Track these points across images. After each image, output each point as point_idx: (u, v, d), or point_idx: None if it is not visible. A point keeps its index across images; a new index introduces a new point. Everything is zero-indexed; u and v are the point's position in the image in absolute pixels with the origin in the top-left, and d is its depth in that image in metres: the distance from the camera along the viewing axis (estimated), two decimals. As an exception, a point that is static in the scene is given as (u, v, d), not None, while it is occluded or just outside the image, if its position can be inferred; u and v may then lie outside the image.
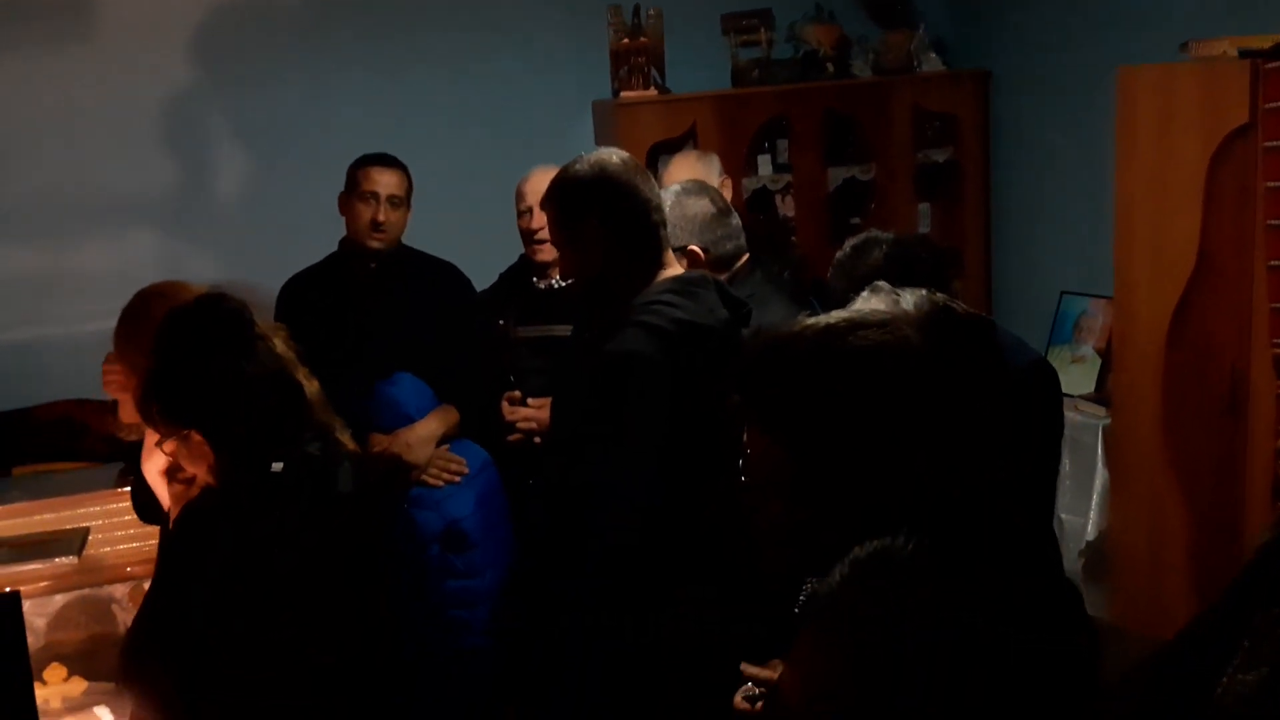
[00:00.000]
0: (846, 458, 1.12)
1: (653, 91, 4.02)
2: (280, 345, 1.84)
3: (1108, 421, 3.49)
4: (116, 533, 2.58)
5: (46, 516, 2.66)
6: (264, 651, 1.68)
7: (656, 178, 2.80)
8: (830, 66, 4.23)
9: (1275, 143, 2.75)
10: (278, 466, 1.71)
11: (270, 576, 1.69)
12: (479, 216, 3.60)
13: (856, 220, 4.21)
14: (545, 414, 2.78)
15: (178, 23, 3.79)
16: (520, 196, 3.05)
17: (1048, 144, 4.15)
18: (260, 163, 3.91)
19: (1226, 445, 2.98)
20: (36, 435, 3.57)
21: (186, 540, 1.71)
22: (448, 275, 3.12)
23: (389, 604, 1.99)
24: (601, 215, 2.02)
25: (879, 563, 0.94)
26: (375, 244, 2.99)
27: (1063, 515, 3.58)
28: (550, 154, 2.79)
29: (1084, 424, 3.59)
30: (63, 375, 3.56)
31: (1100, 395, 3.72)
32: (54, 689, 2.17)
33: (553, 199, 2.09)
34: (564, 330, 2.84)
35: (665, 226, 2.10)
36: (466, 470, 2.85)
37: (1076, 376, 3.88)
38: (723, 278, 2.48)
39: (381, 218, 2.97)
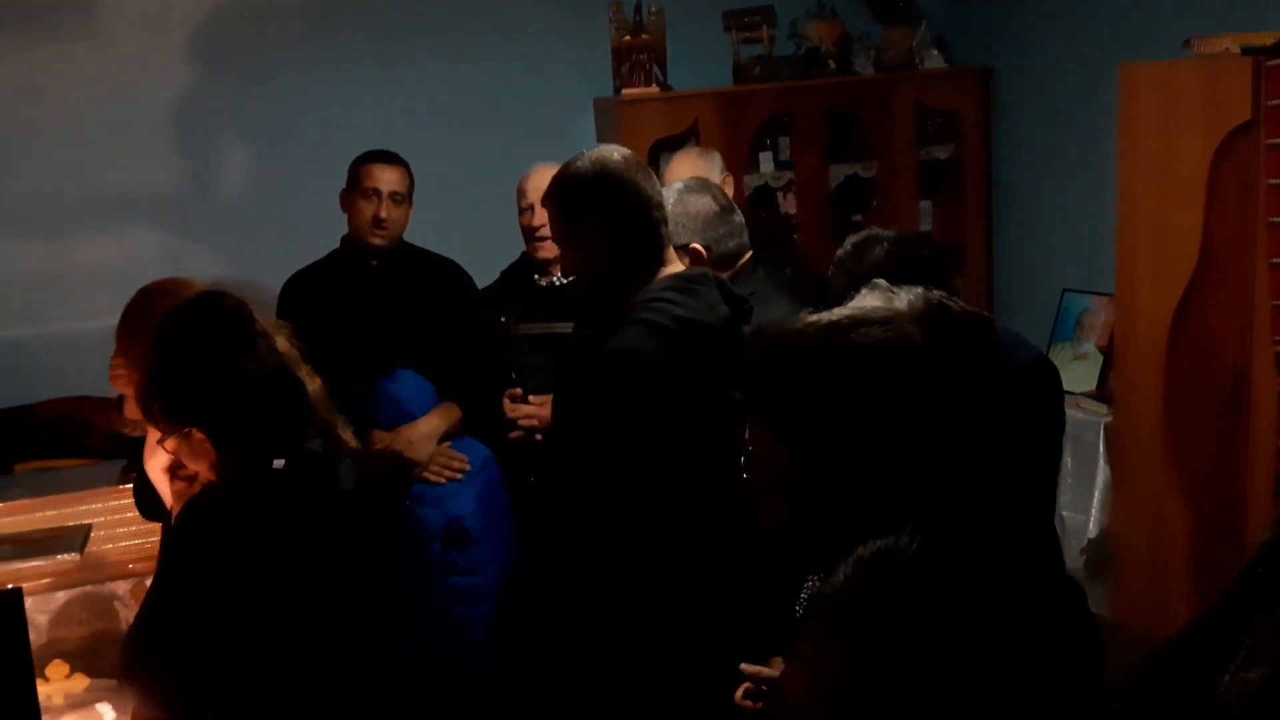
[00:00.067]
0: (849, 455, 1.13)
1: (654, 88, 4.01)
2: (283, 343, 1.84)
3: (1109, 419, 3.49)
4: (119, 529, 2.58)
5: (49, 513, 2.66)
6: (264, 650, 1.68)
7: (658, 175, 2.80)
8: (832, 63, 4.22)
9: (1277, 140, 2.75)
10: (279, 463, 1.71)
11: (271, 574, 1.69)
12: (480, 213, 3.59)
13: (858, 217, 4.21)
14: (546, 411, 2.78)
15: (180, 21, 3.79)
16: (521, 193, 3.05)
17: (1050, 141, 4.14)
18: (262, 160, 3.91)
19: (1228, 443, 2.98)
20: (39, 432, 3.57)
21: (188, 537, 1.71)
22: (449, 272, 3.12)
23: (389, 602, 1.99)
24: (602, 212, 2.02)
25: (883, 562, 0.94)
26: (377, 241, 2.99)
27: (1064, 513, 3.58)
28: (552, 151, 2.78)
29: (1086, 421, 3.59)
30: (65, 372, 3.57)
31: (1102, 393, 3.72)
32: (56, 686, 2.17)
33: (554, 196, 2.09)
34: (565, 327, 2.84)
35: (666, 224, 2.10)
36: (468, 467, 2.85)
37: (1078, 374, 3.88)
38: (725, 275, 2.48)
39: (383, 214, 2.97)
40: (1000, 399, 1.18)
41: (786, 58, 4.22)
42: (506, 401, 2.90)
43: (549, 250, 2.89)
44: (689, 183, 2.63)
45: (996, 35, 4.34)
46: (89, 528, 2.56)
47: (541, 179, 2.56)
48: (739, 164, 3.94)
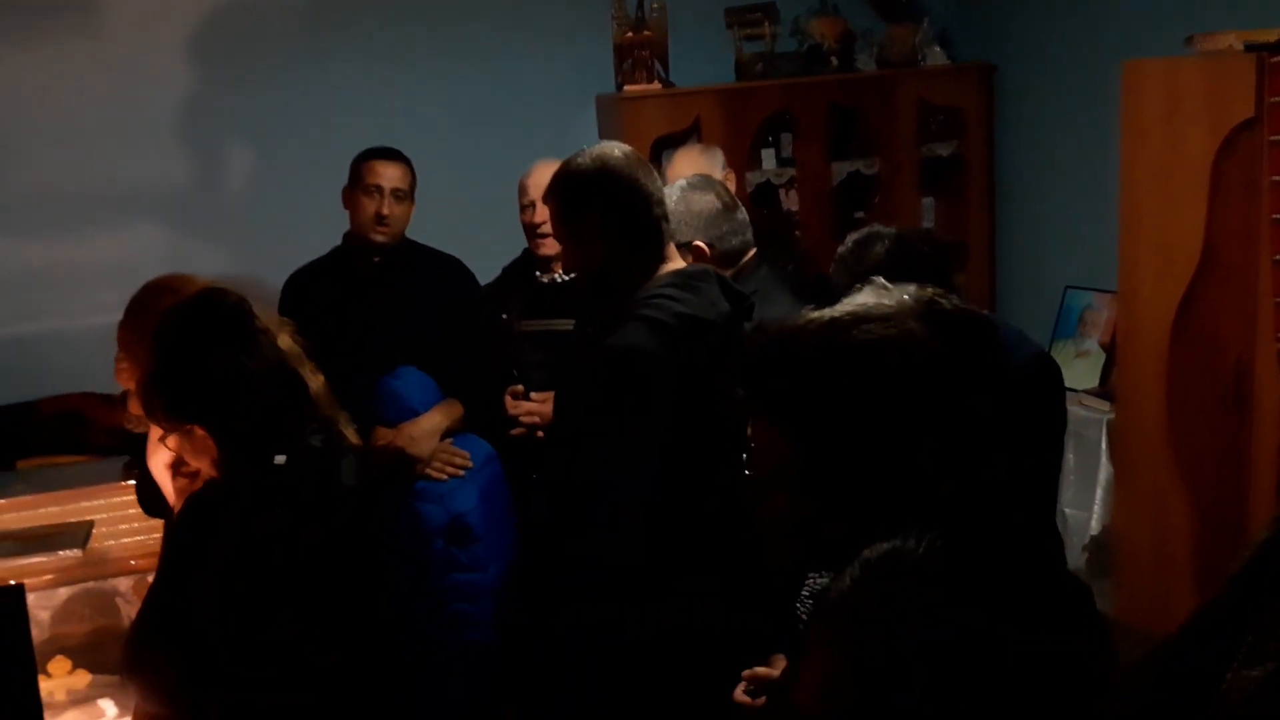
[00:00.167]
0: (851, 451, 1.13)
1: (656, 85, 4.01)
2: (286, 340, 1.84)
3: (1112, 416, 3.48)
4: (121, 526, 2.58)
5: (51, 509, 2.66)
6: (265, 647, 1.68)
7: (660, 172, 2.79)
8: (834, 60, 4.22)
9: (1281, 136, 2.74)
10: (280, 460, 1.71)
11: (272, 570, 1.69)
12: (482, 210, 3.59)
13: (860, 214, 4.20)
14: (548, 408, 2.78)
15: (183, 18, 3.79)
16: (523, 190, 3.05)
17: (1052, 138, 4.14)
18: (265, 157, 3.91)
19: (1231, 440, 2.98)
20: (41, 429, 3.57)
21: (189, 533, 1.71)
22: (452, 269, 3.12)
23: (391, 599, 1.99)
24: (603, 209, 2.01)
25: (889, 565, 0.94)
26: (379, 238, 2.99)
27: (1066, 510, 3.58)
28: (553, 148, 2.78)
29: (1088, 418, 3.59)
30: (68, 369, 3.57)
31: (1104, 390, 3.72)
32: (58, 682, 2.18)
33: (555, 193, 2.09)
34: (567, 324, 2.84)
35: (667, 220, 2.10)
36: (470, 464, 2.86)
37: (1081, 371, 3.88)
38: (729, 273, 2.48)
39: (385, 211, 2.97)
40: (1001, 396, 1.18)
41: (789, 54, 4.22)
42: (508, 398, 2.90)
43: (550, 247, 2.89)
44: (692, 180, 2.63)
45: (999, 32, 4.33)
46: (91, 524, 2.56)
47: (543, 176, 2.56)
48: (741, 161, 3.93)
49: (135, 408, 2.13)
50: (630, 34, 4.00)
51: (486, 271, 3.19)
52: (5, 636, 1.68)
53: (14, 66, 3.63)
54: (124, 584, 2.40)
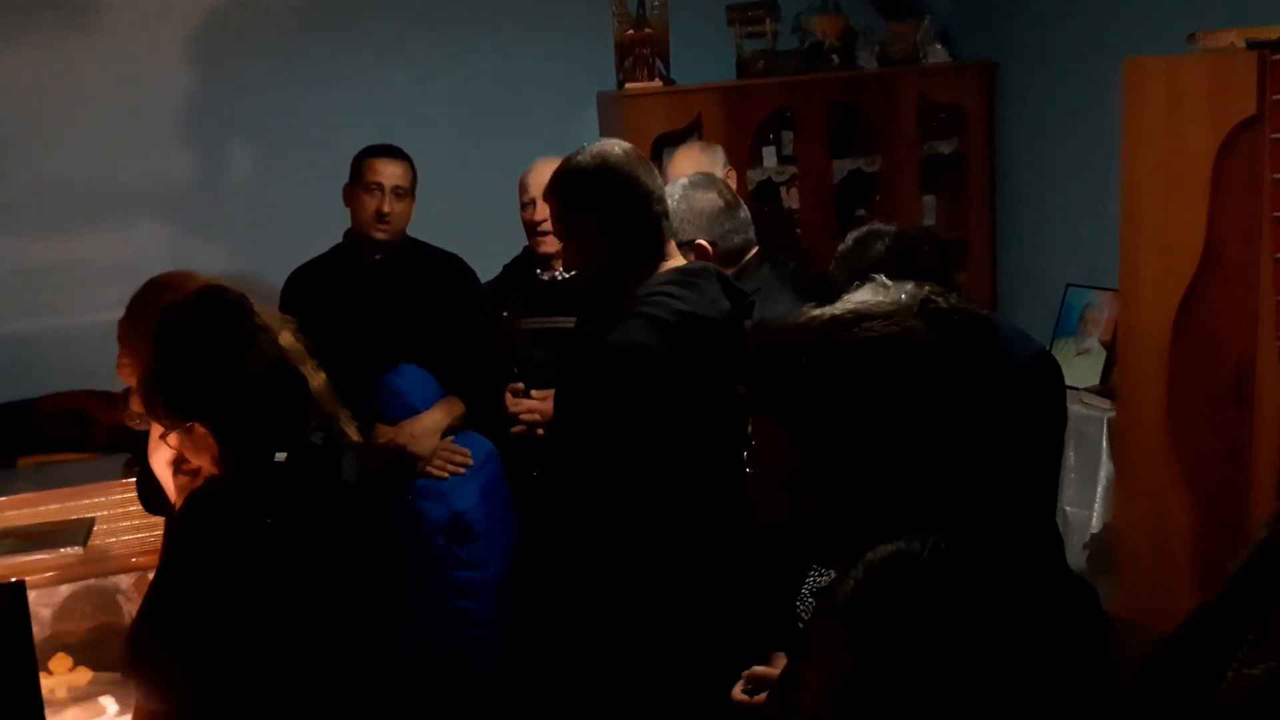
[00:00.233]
0: (852, 449, 1.13)
1: (657, 83, 4.01)
2: (288, 337, 1.84)
3: (1113, 414, 3.48)
4: (122, 523, 2.58)
5: (52, 507, 2.66)
6: (266, 644, 1.68)
7: (661, 170, 2.79)
8: (835, 58, 4.21)
9: (1283, 134, 2.74)
10: (281, 456, 1.71)
11: (273, 567, 1.69)
12: (483, 208, 3.59)
13: (861, 212, 4.20)
14: (548, 406, 2.78)
15: (184, 16, 3.79)
16: (523, 188, 3.05)
17: (1054, 136, 4.14)
18: (266, 154, 3.91)
19: (1232, 438, 2.98)
20: (42, 426, 3.57)
21: (189, 530, 1.71)
22: (453, 267, 3.12)
23: (392, 597, 1.99)
24: (603, 207, 2.01)
25: (894, 567, 0.94)
26: (380, 235, 2.99)
27: (1067, 508, 3.58)
28: (554, 145, 2.78)
29: (1089, 417, 3.59)
30: (69, 366, 3.57)
31: (1105, 388, 3.72)
32: (59, 679, 2.18)
33: (555, 190, 2.09)
34: (567, 322, 2.84)
35: (668, 218, 2.10)
36: (471, 462, 2.86)
37: (1082, 369, 3.87)
38: (731, 271, 2.48)
39: (386, 209, 2.97)
40: (1001, 394, 1.18)
41: (790, 52, 4.22)
42: (508, 396, 2.90)
43: (551, 245, 2.89)
44: (694, 178, 2.63)
45: (1000, 29, 4.33)
46: (92, 521, 2.56)
47: (543, 173, 2.56)
48: (742, 159, 3.93)
49: (137, 405, 2.12)
50: (631, 31, 4.00)
51: (487, 269, 3.19)
52: (6, 634, 1.68)
53: (15, 64, 3.63)
54: (125, 581, 2.40)
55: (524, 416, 2.87)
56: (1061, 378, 2.27)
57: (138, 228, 3.77)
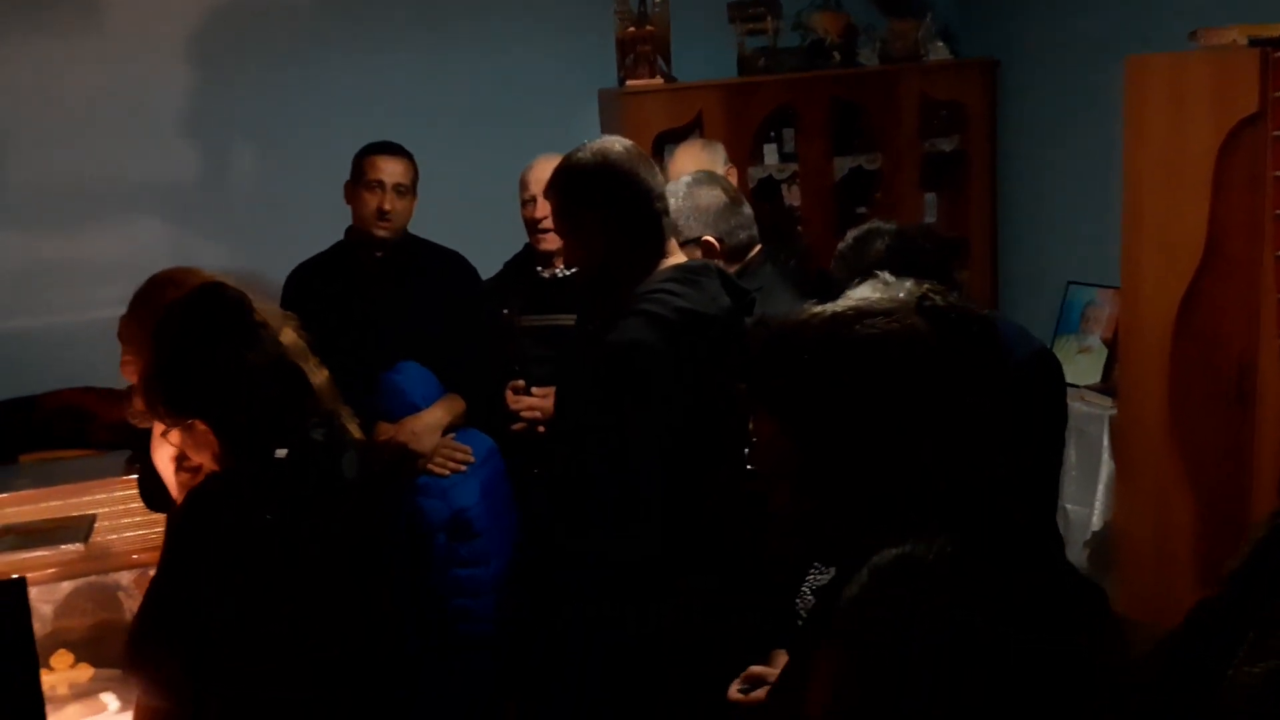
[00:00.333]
0: (853, 446, 1.13)
1: (659, 80, 4.01)
2: (290, 334, 1.84)
3: (1114, 412, 3.48)
4: (123, 520, 2.58)
5: (53, 503, 2.66)
6: (266, 641, 1.68)
7: (662, 167, 2.79)
8: (837, 55, 4.21)
9: (1284, 132, 2.73)
10: (282, 453, 1.71)
11: (273, 564, 1.69)
12: (484, 205, 3.59)
13: (862, 210, 4.20)
14: (549, 403, 2.78)
15: (185, 14, 3.79)
16: (524, 185, 3.05)
17: (1055, 133, 4.13)
18: (267, 152, 3.91)
19: (1233, 436, 2.98)
20: (44, 423, 3.58)
21: (190, 527, 1.71)
22: (454, 264, 3.12)
23: (392, 595, 1.99)
24: (604, 204, 2.01)
25: (899, 571, 0.94)
26: (381, 233, 2.99)
27: (1068, 506, 3.58)
28: (555, 143, 2.78)
29: (1090, 414, 3.59)
30: (70, 363, 3.57)
31: (1106, 386, 3.72)
32: (61, 675, 2.18)
33: (555, 187, 2.09)
34: (568, 319, 2.84)
35: (668, 215, 2.10)
36: (472, 459, 2.86)
37: (1083, 367, 3.87)
38: (736, 268, 2.48)
39: (387, 206, 2.96)
40: (1001, 392, 1.18)
41: (791, 49, 4.21)
42: (509, 393, 2.90)
43: (552, 242, 2.89)
44: (697, 175, 2.63)
45: (1002, 27, 4.32)
46: (93, 518, 2.56)
47: (544, 170, 2.56)
48: (743, 156, 3.93)
49: (140, 402, 2.12)
50: (633, 29, 3.99)
51: (488, 266, 3.19)
52: (7, 630, 1.68)
53: (16, 62, 3.63)
54: (126, 578, 2.40)
55: (524, 414, 2.87)
56: (1062, 375, 2.27)
57: (139, 225, 3.77)
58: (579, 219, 2.04)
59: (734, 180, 3.10)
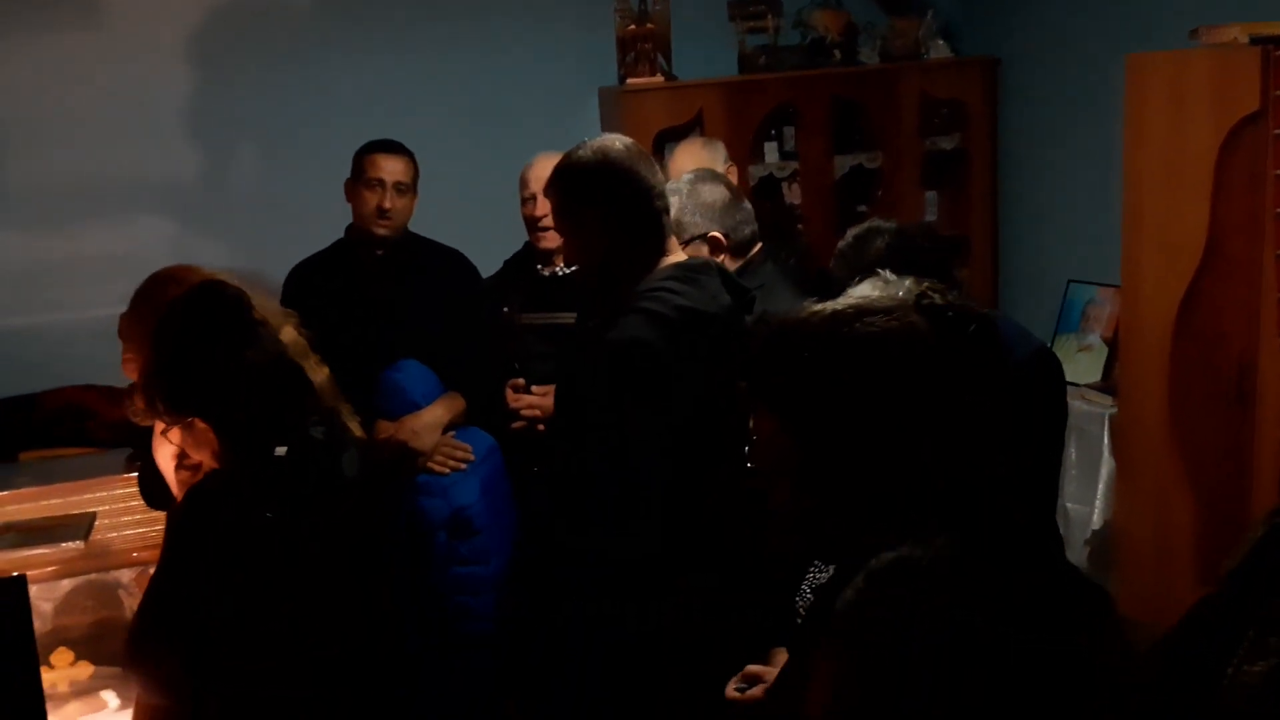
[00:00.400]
0: (853, 444, 1.13)
1: (659, 78, 4.01)
2: (290, 332, 1.84)
3: (1114, 411, 3.48)
4: (123, 518, 2.58)
5: (53, 501, 2.66)
6: (265, 639, 1.68)
7: (662, 165, 2.79)
8: (837, 53, 4.21)
9: (1285, 130, 2.73)
10: (281, 451, 1.71)
11: (272, 562, 1.69)
12: (484, 203, 3.59)
13: (863, 208, 4.20)
14: (549, 401, 2.78)
15: (185, 12, 3.79)
16: (524, 183, 3.05)
17: (1056, 131, 4.13)
18: (268, 150, 3.91)
19: (1234, 435, 2.98)
20: (44, 421, 3.58)
21: (190, 525, 1.71)
22: (454, 262, 3.12)
23: (392, 593, 1.99)
24: (604, 202, 2.01)
25: (899, 572, 0.94)
26: (381, 231, 2.99)
27: (1068, 505, 3.58)
28: (556, 141, 2.78)
29: (1090, 413, 3.59)
30: (71, 361, 3.57)
31: (1107, 384, 3.71)
32: (61, 673, 2.18)
33: (555, 186, 2.09)
34: (568, 317, 2.84)
35: (668, 213, 2.10)
36: (472, 457, 2.86)
37: (1083, 365, 3.87)
38: (738, 265, 2.48)
39: (388, 204, 2.96)
40: (1001, 390, 1.18)
41: (792, 47, 4.22)
42: (509, 391, 2.90)
43: (552, 240, 2.89)
44: (698, 173, 2.63)
45: (1002, 25, 4.32)
46: (94, 516, 2.56)
47: (544, 168, 2.56)
48: (744, 154, 3.93)
49: (140, 400, 2.12)
50: (633, 27, 4.00)
51: (488, 264, 3.19)
52: (7, 628, 1.68)
53: (17, 61, 3.64)
54: (126, 576, 2.40)
55: (525, 412, 2.87)
56: (1062, 374, 2.27)
57: (139, 223, 3.78)
58: (579, 217, 2.04)
59: (734, 178, 3.10)
